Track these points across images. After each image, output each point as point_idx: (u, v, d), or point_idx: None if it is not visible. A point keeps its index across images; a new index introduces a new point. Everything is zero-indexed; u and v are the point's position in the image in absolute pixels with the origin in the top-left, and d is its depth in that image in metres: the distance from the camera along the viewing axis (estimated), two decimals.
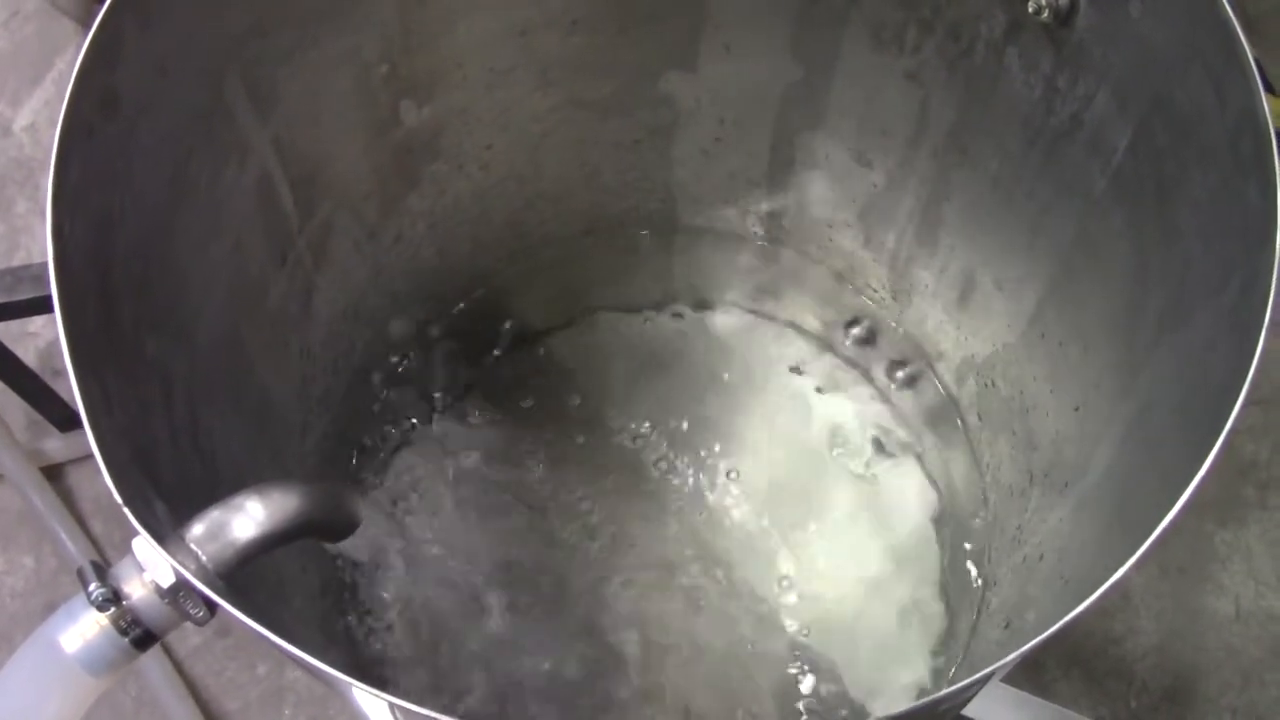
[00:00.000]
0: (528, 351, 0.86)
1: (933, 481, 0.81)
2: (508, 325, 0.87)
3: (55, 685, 0.43)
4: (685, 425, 0.83)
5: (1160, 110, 0.55)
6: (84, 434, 0.42)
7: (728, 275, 0.89)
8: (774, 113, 0.78)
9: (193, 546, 0.44)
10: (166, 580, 0.42)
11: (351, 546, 0.54)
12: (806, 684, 0.75)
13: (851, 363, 0.86)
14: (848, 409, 0.84)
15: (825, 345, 0.87)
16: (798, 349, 0.87)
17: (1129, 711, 0.90)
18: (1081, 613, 0.42)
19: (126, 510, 0.41)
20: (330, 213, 0.71)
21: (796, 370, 0.86)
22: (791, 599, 0.78)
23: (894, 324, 0.86)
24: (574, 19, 0.72)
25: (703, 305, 0.88)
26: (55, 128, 0.48)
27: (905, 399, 0.84)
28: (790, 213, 0.86)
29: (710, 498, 0.81)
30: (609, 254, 0.89)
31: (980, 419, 0.81)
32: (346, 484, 0.78)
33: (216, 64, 0.58)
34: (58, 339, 0.45)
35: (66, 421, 0.97)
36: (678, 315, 0.88)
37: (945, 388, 0.84)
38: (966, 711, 0.68)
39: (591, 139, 0.81)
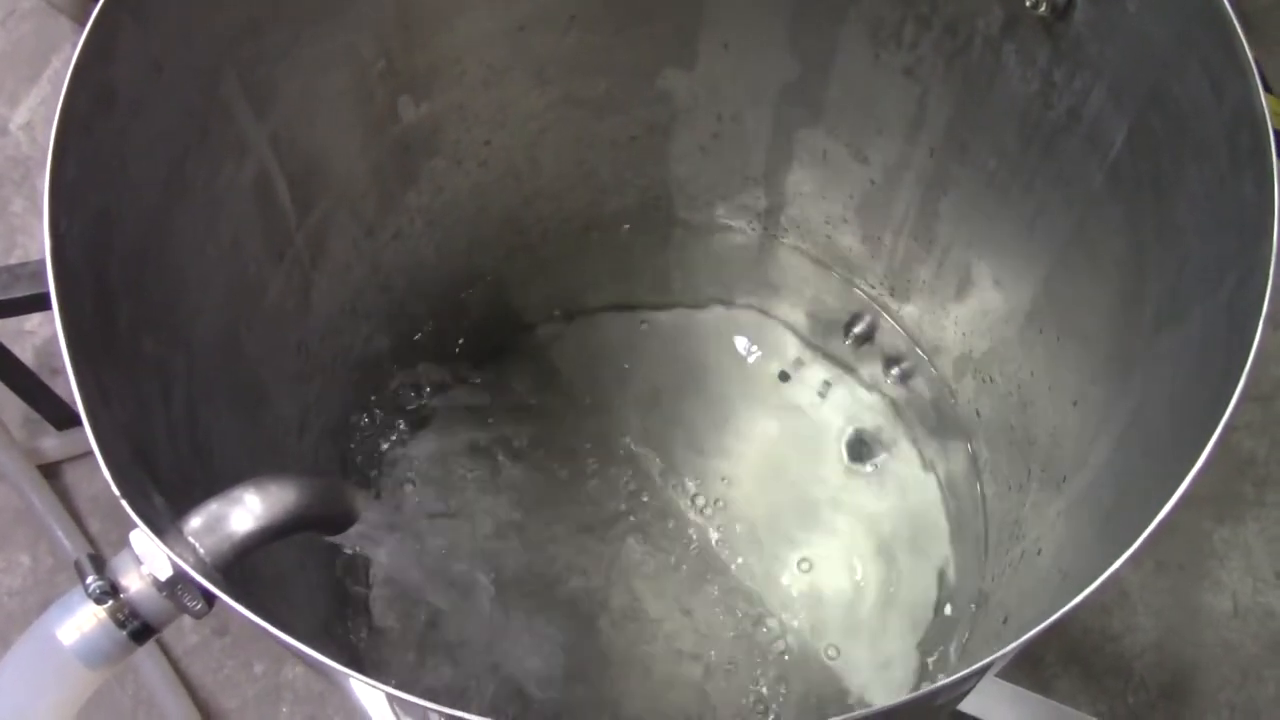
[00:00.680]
0: (525, 348, 0.86)
1: (930, 477, 0.81)
2: (505, 322, 0.87)
3: (52, 678, 0.43)
4: (682, 421, 0.83)
5: (1157, 105, 0.55)
6: (80, 432, 0.42)
7: (725, 272, 0.89)
8: (771, 109, 0.78)
9: (190, 539, 0.44)
10: (164, 573, 0.42)
11: (348, 541, 0.53)
12: (804, 678, 0.75)
13: (849, 359, 0.86)
14: (845, 405, 0.85)
15: (823, 341, 0.87)
16: (795, 345, 0.87)
17: (1127, 708, 0.90)
18: (1076, 606, 0.42)
19: (124, 503, 0.40)
20: (328, 210, 0.71)
21: (794, 366, 0.86)
22: (788, 593, 0.78)
23: (891, 320, 0.86)
24: (571, 15, 0.72)
25: (700, 301, 0.88)
26: (52, 126, 0.47)
27: (903, 395, 0.85)
28: (788, 209, 0.86)
29: (707, 493, 0.81)
30: (606, 251, 0.89)
31: (978, 414, 0.81)
32: (344, 479, 0.78)
33: (213, 61, 0.58)
34: (54, 337, 0.45)
35: (63, 420, 0.97)
36: (675, 312, 0.88)
37: (943, 383, 0.84)
38: (967, 709, 0.68)
39: (589, 136, 0.81)
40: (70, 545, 0.93)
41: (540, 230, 0.87)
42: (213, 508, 0.45)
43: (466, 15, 0.69)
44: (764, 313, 0.88)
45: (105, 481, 0.41)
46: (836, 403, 0.85)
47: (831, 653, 0.76)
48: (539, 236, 0.87)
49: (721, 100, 0.79)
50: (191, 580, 0.42)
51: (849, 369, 0.86)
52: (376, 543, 0.54)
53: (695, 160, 0.84)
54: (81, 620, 0.43)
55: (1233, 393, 0.45)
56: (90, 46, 0.49)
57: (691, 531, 0.80)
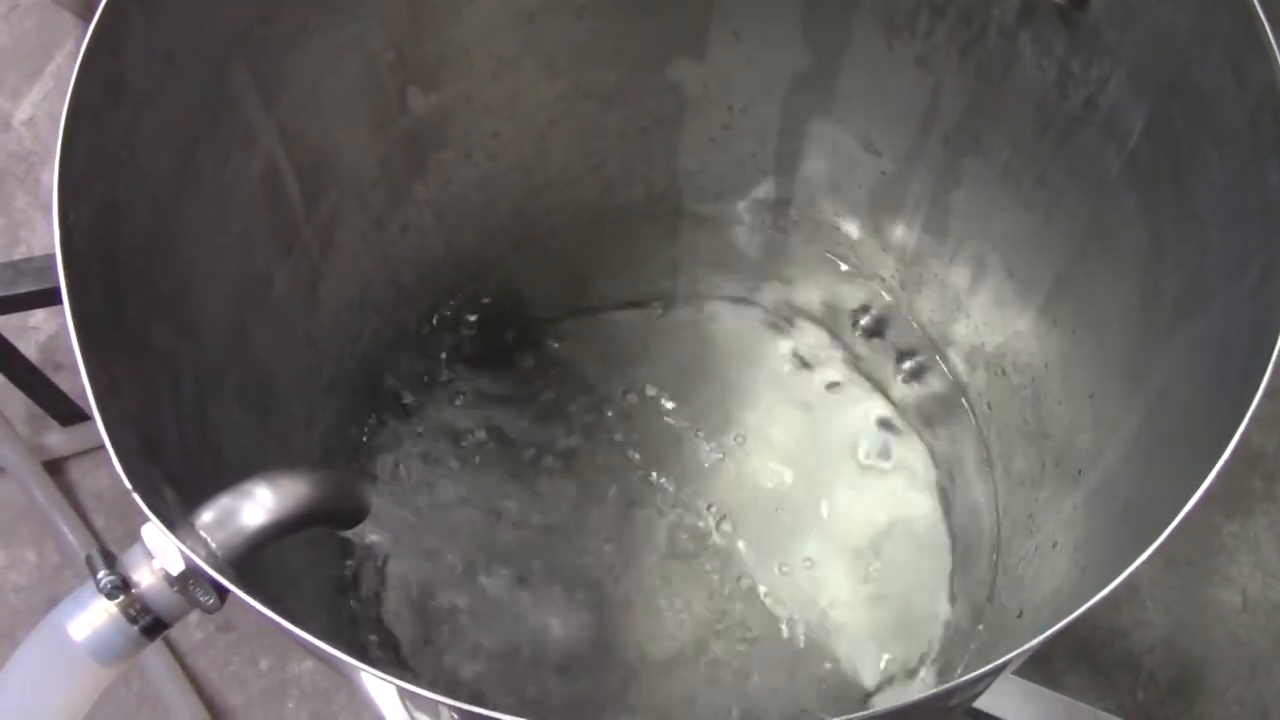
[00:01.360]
0: (534, 341, 0.86)
1: (943, 470, 0.81)
2: (513, 314, 0.86)
3: (63, 674, 0.43)
4: (690, 414, 0.83)
5: (1177, 92, 0.55)
6: (85, 428, 0.42)
7: (735, 264, 0.89)
8: (782, 100, 0.78)
9: (202, 533, 0.43)
10: (176, 567, 0.42)
11: (359, 534, 0.53)
12: (811, 674, 0.75)
13: (860, 352, 0.86)
14: (856, 398, 0.84)
15: (833, 334, 0.86)
16: (806, 338, 0.86)
17: (1136, 703, 0.90)
18: (1097, 604, 0.42)
19: (136, 496, 0.40)
20: (336, 202, 0.70)
21: (804, 360, 0.85)
22: (800, 588, 0.77)
23: (903, 313, 0.86)
24: (581, 5, 0.71)
25: (709, 294, 0.88)
26: (55, 121, 0.47)
27: (914, 388, 0.84)
28: (798, 201, 0.85)
29: (714, 486, 0.81)
30: (616, 243, 0.89)
31: (990, 408, 0.80)
32: (356, 472, 0.77)
33: (222, 52, 0.57)
34: (59, 333, 0.44)
35: (68, 416, 0.97)
36: (684, 304, 0.88)
37: (955, 376, 0.83)
38: (980, 705, 0.67)
39: (598, 127, 0.81)
40: (75, 541, 0.93)
41: (549, 223, 0.87)
42: (224, 501, 0.45)
43: (476, 6, 0.69)
44: (774, 305, 0.87)
45: (110, 477, 0.41)
46: (847, 395, 0.84)
47: (839, 648, 0.76)
48: (547, 229, 0.87)
49: (732, 91, 0.79)
50: (204, 574, 0.41)
51: (860, 362, 0.85)
52: (388, 537, 0.53)
53: (705, 152, 0.83)
54: (93, 615, 0.43)
55: (1257, 387, 0.45)
56: (99, 37, 0.49)
57: (701, 524, 0.79)
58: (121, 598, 0.42)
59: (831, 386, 0.85)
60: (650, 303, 0.88)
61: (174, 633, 0.92)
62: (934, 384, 0.84)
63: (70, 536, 0.93)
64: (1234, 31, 0.50)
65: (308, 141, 0.65)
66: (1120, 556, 0.43)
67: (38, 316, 1.02)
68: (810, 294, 0.88)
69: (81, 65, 0.48)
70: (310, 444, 0.73)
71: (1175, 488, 0.44)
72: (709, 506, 0.80)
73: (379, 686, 0.45)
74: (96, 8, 0.49)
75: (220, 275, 0.61)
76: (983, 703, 0.70)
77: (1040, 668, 0.89)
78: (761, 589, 0.77)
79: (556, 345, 0.86)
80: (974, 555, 0.78)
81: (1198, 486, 0.43)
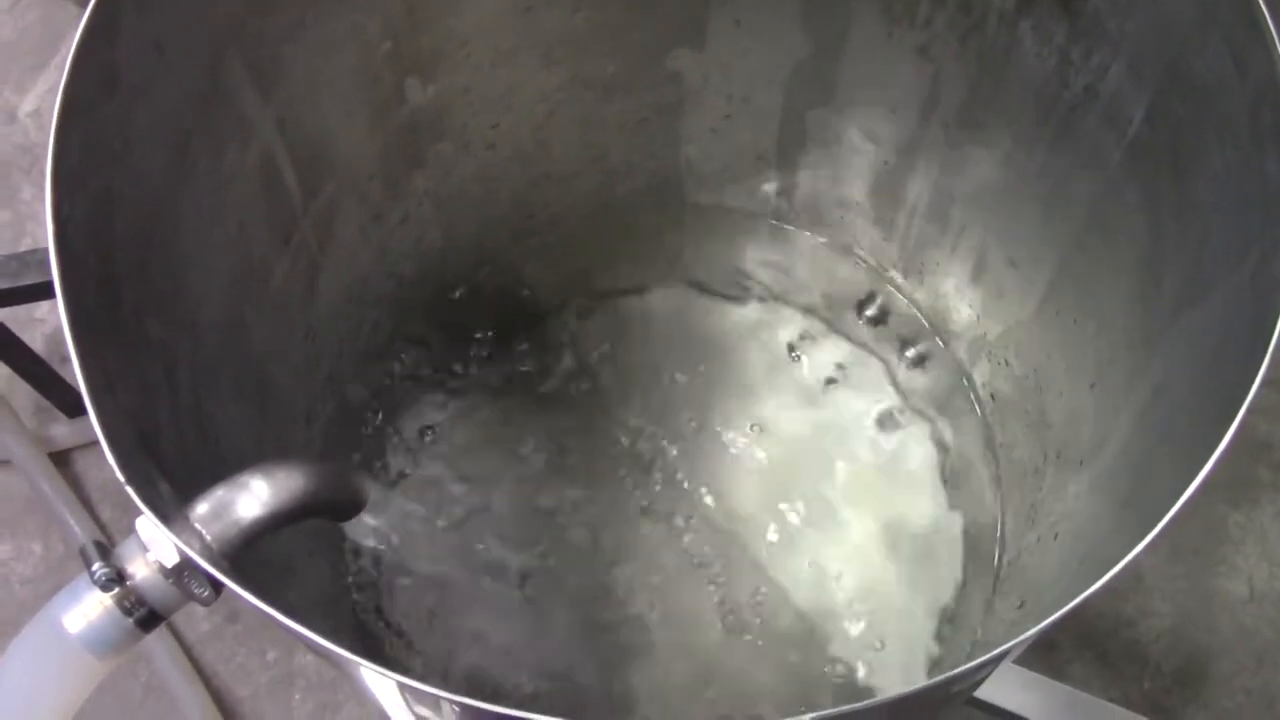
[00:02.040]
0: (535, 331, 0.85)
1: (945, 460, 0.81)
2: (514, 306, 0.86)
3: (58, 666, 0.43)
4: (693, 404, 0.83)
5: (1177, 81, 0.55)
6: (91, 419, 0.41)
7: (736, 254, 0.88)
8: (783, 90, 0.77)
9: (197, 526, 0.43)
10: (171, 560, 0.42)
11: (356, 529, 0.53)
12: (812, 662, 0.74)
13: (862, 342, 0.85)
14: (858, 388, 0.84)
15: (836, 324, 0.86)
16: (808, 328, 0.86)
17: (1142, 693, 0.89)
18: (1094, 593, 0.41)
19: (129, 488, 0.40)
20: (335, 194, 0.70)
21: (806, 349, 0.85)
22: (802, 579, 0.77)
23: (905, 302, 0.85)
24: None
25: (711, 284, 0.88)
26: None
27: (917, 378, 0.84)
28: (800, 191, 0.85)
29: (720, 474, 0.80)
30: (616, 234, 0.88)
31: (993, 398, 0.80)
32: (353, 465, 0.77)
33: (216, 42, 0.57)
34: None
35: (74, 407, 0.97)
36: (686, 295, 0.87)
37: (958, 366, 0.83)
38: (982, 695, 0.67)
39: (598, 118, 0.80)
40: (81, 533, 0.93)
41: (549, 214, 0.86)
42: (219, 494, 0.45)
43: None
44: (777, 295, 0.87)
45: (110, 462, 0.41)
46: (849, 385, 0.84)
47: (842, 638, 0.76)
48: (548, 220, 0.87)
49: (732, 80, 0.78)
50: (198, 567, 0.42)
51: (862, 351, 0.85)
52: (385, 528, 0.53)
53: (706, 142, 0.83)
54: (88, 608, 0.43)
55: (1255, 375, 0.44)
56: (91, 28, 0.49)
57: (703, 514, 0.79)
58: (116, 590, 0.42)
59: (834, 376, 0.84)
60: (652, 293, 0.87)
61: (180, 624, 0.92)
62: (937, 373, 0.84)
63: (76, 528, 0.94)
64: (1235, 20, 0.50)
65: (305, 133, 0.65)
66: (1121, 546, 0.43)
67: (43, 308, 1.03)
68: (812, 283, 0.87)
69: (74, 58, 0.48)
70: (310, 437, 0.73)
71: (1176, 477, 0.44)
72: (710, 495, 0.80)
73: (378, 680, 0.45)
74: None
75: (217, 268, 0.61)
76: (986, 692, 0.70)
77: (1045, 657, 0.89)
78: (762, 576, 0.77)
79: (558, 336, 0.86)
80: (975, 544, 0.78)
81: (1197, 475, 0.43)
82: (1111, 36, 0.58)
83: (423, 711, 0.48)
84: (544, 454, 0.81)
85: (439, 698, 0.40)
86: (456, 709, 0.42)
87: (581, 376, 0.84)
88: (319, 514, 0.50)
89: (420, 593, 0.75)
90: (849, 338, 0.85)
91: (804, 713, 0.38)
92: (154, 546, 0.42)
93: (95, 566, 0.42)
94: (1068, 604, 0.42)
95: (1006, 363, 0.78)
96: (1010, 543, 0.75)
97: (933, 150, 0.74)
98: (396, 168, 0.74)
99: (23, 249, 0.98)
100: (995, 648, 0.43)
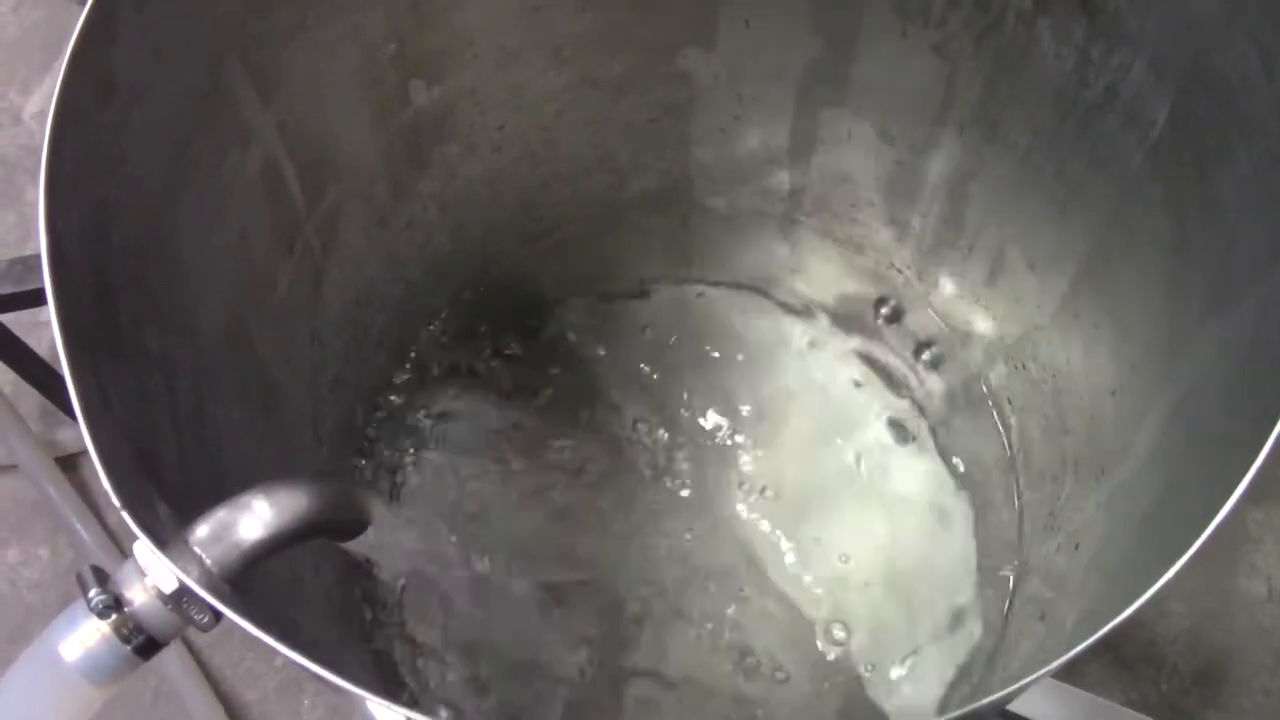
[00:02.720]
0: (544, 335, 0.85)
1: (961, 465, 0.80)
2: (523, 309, 0.85)
3: (55, 695, 0.42)
4: (703, 407, 0.82)
5: (1201, 80, 0.54)
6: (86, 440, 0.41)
7: (748, 255, 0.88)
8: (795, 89, 0.76)
9: (196, 550, 0.42)
10: (169, 586, 0.41)
11: (362, 546, 0.52)
12: (816, 671, 0.73)
13: (876, 344, 0.84)
14: (873, 390, 0.83)
15: (849, 326, 0.85)
16: (820, 330, 0.85)
17: (1159, 695, 0.88)
18: (1129, 618, 0.40)
19: (125, 514, 0.39)
20: (339, 198, 0.69)
21: (820, 351, 0.84)
22: (817, 586, 0.76)
23: (920, 304, 0.84)
24: None
25: (722, 286, 0.87)
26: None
27: (932, 381, 0.83)
28: (812, 191, 0.84)
29: (730, 480, 0.79)
30: (625, 236, 0.88)
31: (1010, 402, 0.79)
32: (357, 481, 0.76)
33: (215, 45, 0.56)
34: None
35: None
36: (696, 296, 0.87)
37: (974, 369, 0.82)
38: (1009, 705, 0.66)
39: (606, 118, 0.79)
40: (89, 538, 0.93)
41: (558, 215, 0.86)
42: (220, 515, 0.44)
43: None
44: (789, 297, 0.86)
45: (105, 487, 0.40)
46: (864, 388, 0.83)
47: (861, 645, 0.75)
48: (556, 221, 0.86)
49: (743, 80, 0.77)
50: (196, 595, 0.40)
51: (877, 354, 0.84)
52: (393, 547, 0.52)
53: (716, 142, 0.82)
54: (85, 635, 0.42)
55: None
56: (87, 32, 0.48)
57: (713, 519, 0.78)
58: (114, 617, 0.41)
59: (848, 377, 0.84)
60: (662, 294, 0.87)
61: (189, 629, 0.92)
62: (953, 376, 0.83)
63: (84, 533, 0.93)
64: (1260, 16, 0.49)
65: (307, 137, 0.64)
66: (1143, 560, 0.42)
67: (49, 312, 1.02)
68: (825, 285, 0.87)
69: (70, 62, 0.47)
70: (316, 445, 0.72)
71: (1202, 491, 0.43)
72: (720, 498, 0.79)
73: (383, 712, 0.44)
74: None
75: (218, 275, 0.60)
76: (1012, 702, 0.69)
77: None
78: (777, 583, 0.76)
79: (567, 337, 0.85)
80: (992, 553, 0.76)
81: (1228, 490, 0.42)
82: (1132, 35, 0.57)
83: None
84: (554, 456, 0.80)
85: None
86: None
87: (590, 377, 0.83)
88: (323, 534, 0.49)
89: (431, 601, 0.75)
90: (863, 339, 0.85)
91: None
92: (152, 572, 0.41)
93: (92, 593, 0.41)
94: (1098, 624, 0.41)
95: (1024, 366, 0.77)
96: (1028, 550, 0.75)
97: (948, 150, 0.73)
98: (401, 171, 0.74)
99: (28, 252, 0.97)
100: (1013, 655, 0.42)
